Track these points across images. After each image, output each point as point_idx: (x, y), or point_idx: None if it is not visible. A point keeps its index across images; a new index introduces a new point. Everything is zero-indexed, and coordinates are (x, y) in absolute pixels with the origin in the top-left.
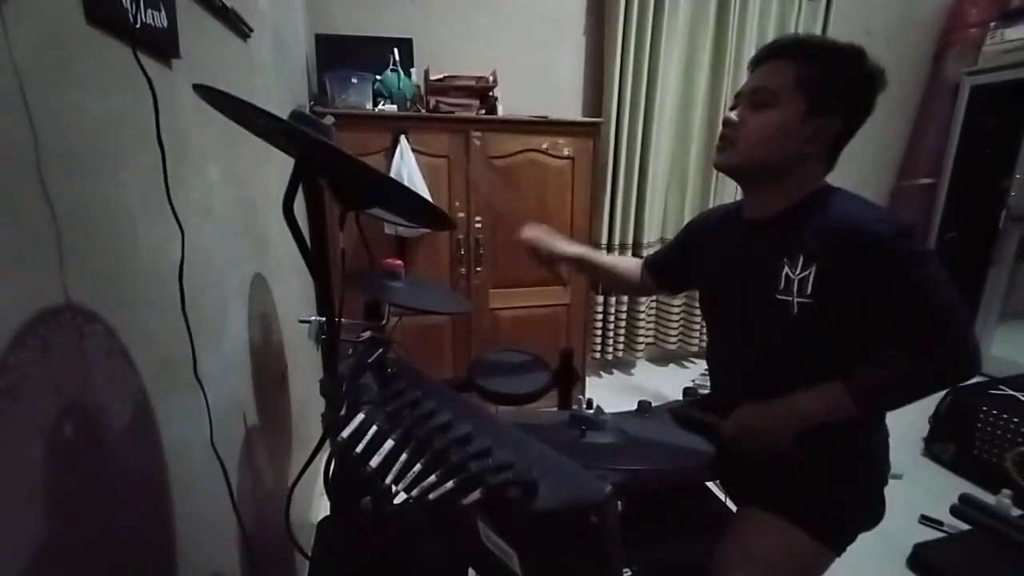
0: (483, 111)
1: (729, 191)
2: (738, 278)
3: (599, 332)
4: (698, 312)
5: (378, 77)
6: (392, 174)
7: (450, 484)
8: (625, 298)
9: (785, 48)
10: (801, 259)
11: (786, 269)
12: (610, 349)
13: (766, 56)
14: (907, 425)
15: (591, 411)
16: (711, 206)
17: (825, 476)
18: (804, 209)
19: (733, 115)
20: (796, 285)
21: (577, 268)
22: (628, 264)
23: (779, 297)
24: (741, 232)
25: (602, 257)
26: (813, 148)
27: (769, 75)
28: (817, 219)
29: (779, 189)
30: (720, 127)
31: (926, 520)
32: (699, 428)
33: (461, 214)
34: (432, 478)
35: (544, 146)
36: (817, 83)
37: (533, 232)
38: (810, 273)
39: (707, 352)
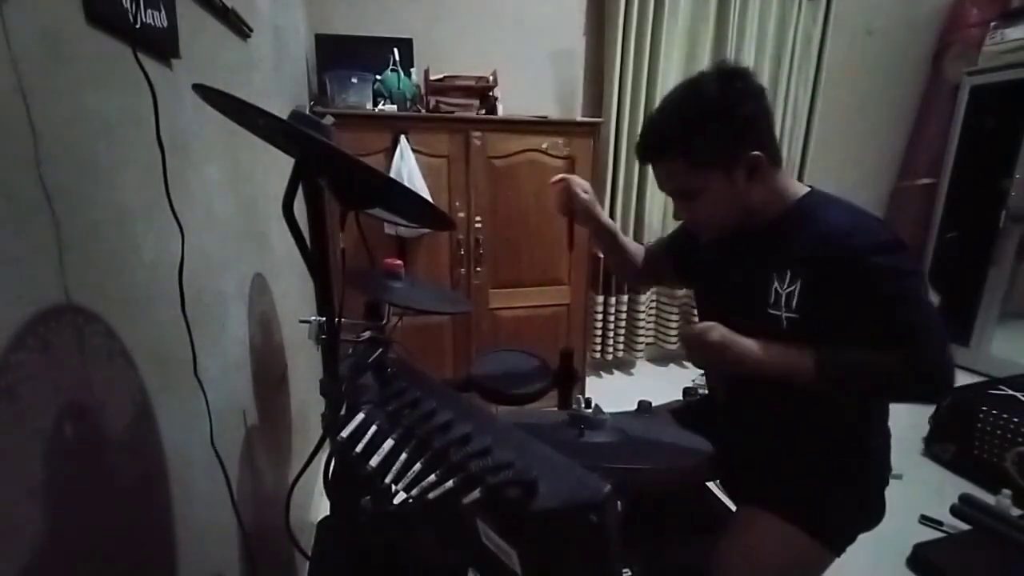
0: (483, 111)
1: None
2: (731, 289)
3: (599, 332)
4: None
5: (378, 77)
6: (392, 174)
7: (450, 483)
8: (625, 298)
9: (657, 149)
10: (788, 274)
11: (775, 283)
12: (610, 349)
13: (649, 160)
14: (907, 425)
15: (590, 411)
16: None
17: (826, 477)
18: (791, 219)
19: (678, 213)
20: (784, 300)
21: (598, 237)
22: (636, 249)
23: (771, 312)
24: (732, 242)
25: (620, 236)
26: (757, 179)
27: (669, 176)
28: (803, 231)
29: (756, 215)
30: None
31: (926, 520)
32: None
33: (461, 214)
34: (432, 477)
35: (544, 146)
36: (711, 149)
37: (579, 182)
38: (796, 288)
39: None
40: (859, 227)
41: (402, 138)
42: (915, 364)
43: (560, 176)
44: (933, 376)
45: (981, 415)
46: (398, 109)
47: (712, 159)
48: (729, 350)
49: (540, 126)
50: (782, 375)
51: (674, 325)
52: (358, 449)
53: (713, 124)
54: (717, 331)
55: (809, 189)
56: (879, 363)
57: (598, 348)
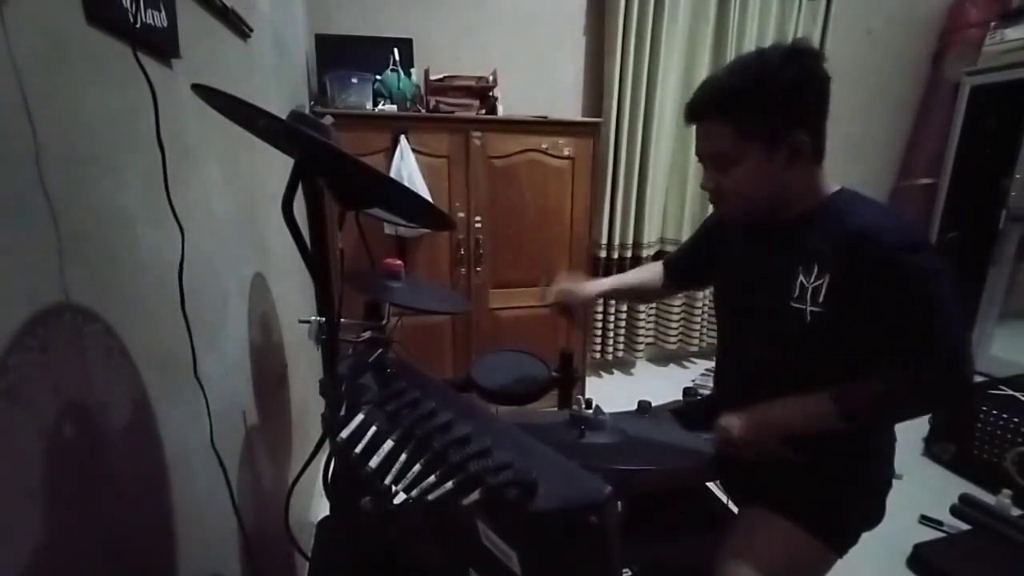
0: (483, 111)
1: None
2: (753, 282)
3: (599, 332)
4: (698, 312)
5: (378, 77)
6: (392, 174)
7: (449, 484)
8: None
9: (711, 107)
10: (816, 267)
11: (801, 277)
12: (610, 349)
13: (698, 116)
14: (907, 425)
15: (590, 411)
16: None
17: (830, 477)
18: (821, 215)
19: (707, 182)
20: (810, 294)
21: (609, 298)
22: (649, 274)
23: (794, 305)
24: (757, 235)
25: (626, 279)
26: (796, 166)
27: (712, 139)
28: (834, 226)
29: (786, 205)
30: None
31: (926, 520)
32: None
33: (461, 214)
34: (432, 478)
35: (544, 146)
36: (761, 123)
37: (561, 291)
38: (823, 282)
39: (717, 351)
40: (893, 225)
41: (402, 138)
42: (938, 366)
43: (555, 299)
44: (952, 378)
45: (981, 415)
46: (398, 109)
47: (759, 132)
48: (761, 436)
49: (540, 126)
50: (810, 427)
51: (674, 325)
52: (358, 450)
53: (771, 97)
54: (737, 425)
55: (840, 187)
56: (895, 383)
57: (598, 348)
